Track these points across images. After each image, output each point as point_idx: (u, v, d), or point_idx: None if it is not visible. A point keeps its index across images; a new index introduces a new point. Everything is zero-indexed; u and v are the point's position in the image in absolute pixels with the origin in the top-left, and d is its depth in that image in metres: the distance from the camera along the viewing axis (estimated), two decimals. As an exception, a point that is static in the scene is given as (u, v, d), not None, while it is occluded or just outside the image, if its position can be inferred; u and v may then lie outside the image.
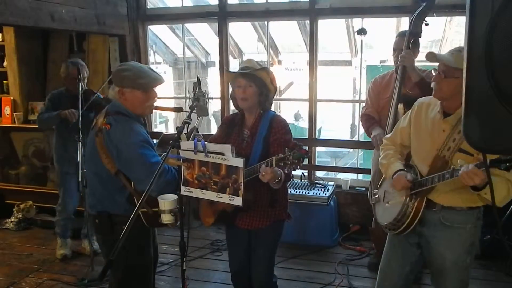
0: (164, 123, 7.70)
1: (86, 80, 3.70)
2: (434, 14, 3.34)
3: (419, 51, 3.08)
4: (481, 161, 1.74)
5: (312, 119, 4.38)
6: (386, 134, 2.62)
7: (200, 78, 2.42)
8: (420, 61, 3.08)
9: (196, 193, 2.18)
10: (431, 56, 1.97)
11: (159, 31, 6.50)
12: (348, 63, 7.77)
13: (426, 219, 2.09)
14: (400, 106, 2.95)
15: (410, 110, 2.24)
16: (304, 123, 7.10)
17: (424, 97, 2.22)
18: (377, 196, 2.42)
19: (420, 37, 2.98)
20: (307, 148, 2.06)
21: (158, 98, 2.36)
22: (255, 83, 2.28)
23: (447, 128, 2.00)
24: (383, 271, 2.34)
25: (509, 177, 1.86)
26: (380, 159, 2.32)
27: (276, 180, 2.12)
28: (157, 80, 2.26)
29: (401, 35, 3.16)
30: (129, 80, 2.20)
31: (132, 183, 2.18)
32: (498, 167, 1.66)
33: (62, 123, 3.59)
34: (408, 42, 2.94)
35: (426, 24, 2.95)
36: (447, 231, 2.06)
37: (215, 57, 7.55)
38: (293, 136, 2.36)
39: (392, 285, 2.29)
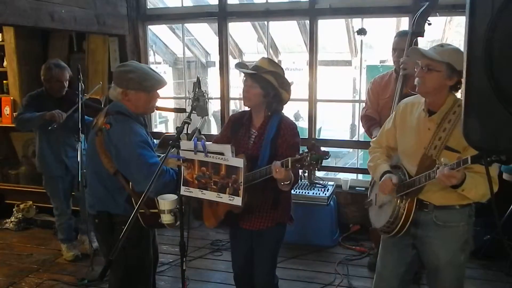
0: (164, 123, 7.70)
1: (67, 82, 3.61)
2: (437, 14, 3.34)
3: None
4: (457, 161, 1.75)
5: (312, 119, 4.38)
6: None
7: (200, 78, 2.42)
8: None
9: (196, 193, 2.18)
10: (415, 51, 1.98)
11: (159, 31, 6.49)
12: (348, 63, 7.77)
13: (420, 220, 2.09)
14: None
15: (395, 111, 2.24)
16: (304, 123, 7.08)
17: (408, 97, 2.24)
18: (369, 199, 2.41)
19: (423, 36, 2.97)
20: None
21: (159, 97, 2.37)
22: (259, 85, 2.25)
23: (432, 127, 2.00)
24: (379, 273, 2.34)
25: (483, 170, 1.85)
26: (368, 162, 2.33)
27: (287, 182, 2.09)
28: (161, 82, 2.28)
29: (400, 35, 3.15)
30: (135, 83, 2.21)
31: (130, 183, 2.18)
32: (479, 163, 1.65)
33: (44, 126, 3.43)
34: (411, 42, 2.93)
35: (429, 24, 2.94)
36: (441, 231, 2.07)
37: (215, 57, 7.55)
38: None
39: (389, 286, 2.29)
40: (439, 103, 1.98)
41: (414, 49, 2.00)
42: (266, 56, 4.76)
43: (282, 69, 2.36)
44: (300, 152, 1.98)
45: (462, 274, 2.17)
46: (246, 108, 2.47)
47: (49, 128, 3.38)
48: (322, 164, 1.94)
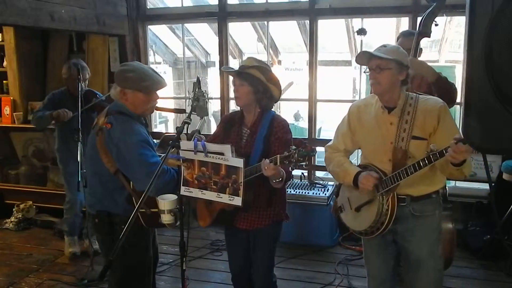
0: (164, 123, 7.69)
1: (87, 81, 3.69)
2: (444, 14, 3.33)
3: (422, 51, 3.07)
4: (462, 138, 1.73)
5: (312, 119, 4.38)
6: None
7: (200, 78, 2.42)
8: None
9: (196, 193, 2.18)
10: (364, 55, 2.07)
11: (159, 31, 6.49)
12: (348, 63, 7.75)
13: (398, 215, 2.11)
14: None
15: (346, 116, 2.30)
16: (304, 123, 7.08)
17: (356, 101, 2.35)
18: (339, 205, 2.39)
19: (429, 37, 2.96)
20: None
21: (159, 98, 2.36)
22: (247, 82, 2.27)
23: (394, 121, 2.08)
24: (371, 274, 2.37)
25: None
26: (331, 167, 2.30)
27: (278, 180, 2.11)
28: (160, 83, 2.27)
29: (404, 35, 3.14)
30: (132, 82, 2.21)
31: (131, 183, 2.18)
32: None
33: (58, 122, 3.58)
34: (417, 42, 2.92)
35: (436, 25, 2.93)
36: (419, 222, 2.13)
37: (215, 57, 7.54)
38: (293, 136, 2.34)
39: (382, 282, 2.32)
40: (395, 99, 2.08)
41: (363, 53, 2.09)
42: (266, 56, 4.78)
43: (267, 65, 2.39)
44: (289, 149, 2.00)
45: (442, 266, 2.24)
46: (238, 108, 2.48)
47: (59, 124, 3.59)
48: (310, 161, 1.98)
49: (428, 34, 2.93)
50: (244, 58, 7.29)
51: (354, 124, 2.25)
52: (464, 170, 1.92)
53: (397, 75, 2.03)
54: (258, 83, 2.28)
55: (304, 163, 1.95)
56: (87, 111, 3.45)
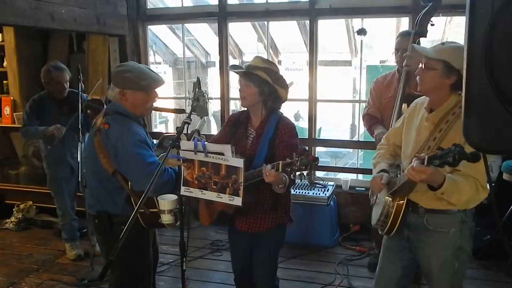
0: (164, 123, 7.70)
1: (68, 84, 3.62)
2: (440, 14, 3.34)
3: None
4: (428, 156, 1.64)
5: (312, 119, 4.38)
6: None
7: (200, 78, 2.41)
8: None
9: (196, 193, 2.18)
10: (415, 50, 1.98)
11: (159, 31, 6.50)
12: (348, 63, 7.77)
13: (412, 224, 2.06)
14: (404, 106, 2.94)
15: (407, 111, 2.23)
16: (304, 123, 7.09)
17: (421, 97, 2.16)
18: (374, 197, 2.39)
19: (426, 37, 2.98)
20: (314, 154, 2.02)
21: (158, 98, 2.36)
22: (253, 83, 2.24)
23: (430, 126, 1.95)
24: (377, 275, 2.33)
25: (470, 173, 1.80)
26: (372, 158, 2.31)
27: (281, 186, 2.10)
28: (158, 81, 2.27)
29: (403, 35, 3.15)
30: (131, 82, 2.20)
31: (129, 183, 2.19)
32: (432, 164, 1.60)
33: (51, 141, 3.49)
34: (414, 42, 2.93)
35: (432, 25, 2.94)
36: (431, 236, 2.02)
37: (215, 57, 7.55)
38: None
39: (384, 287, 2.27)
40: (439, 102, 1.92)
41: (414, 47, 2.01)
42: (266, 56, 4.77)
43: (276, 66, 2.35)
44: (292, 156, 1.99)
45: (458, 280, 2.10)
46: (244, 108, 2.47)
47: (55, 143, 3.47)
48: (312, 169, 1.97)
49: (424, 34, 2.94)
50: (245, 58, 7.30)
51: (406, 120, 2.15)
52: (445, 197, 1.78)
53: (442, 78, 1.85)
54: (264, 84, 2.24)
55: (306, 172, 1.95)
56: (73, 113, 3.42)
